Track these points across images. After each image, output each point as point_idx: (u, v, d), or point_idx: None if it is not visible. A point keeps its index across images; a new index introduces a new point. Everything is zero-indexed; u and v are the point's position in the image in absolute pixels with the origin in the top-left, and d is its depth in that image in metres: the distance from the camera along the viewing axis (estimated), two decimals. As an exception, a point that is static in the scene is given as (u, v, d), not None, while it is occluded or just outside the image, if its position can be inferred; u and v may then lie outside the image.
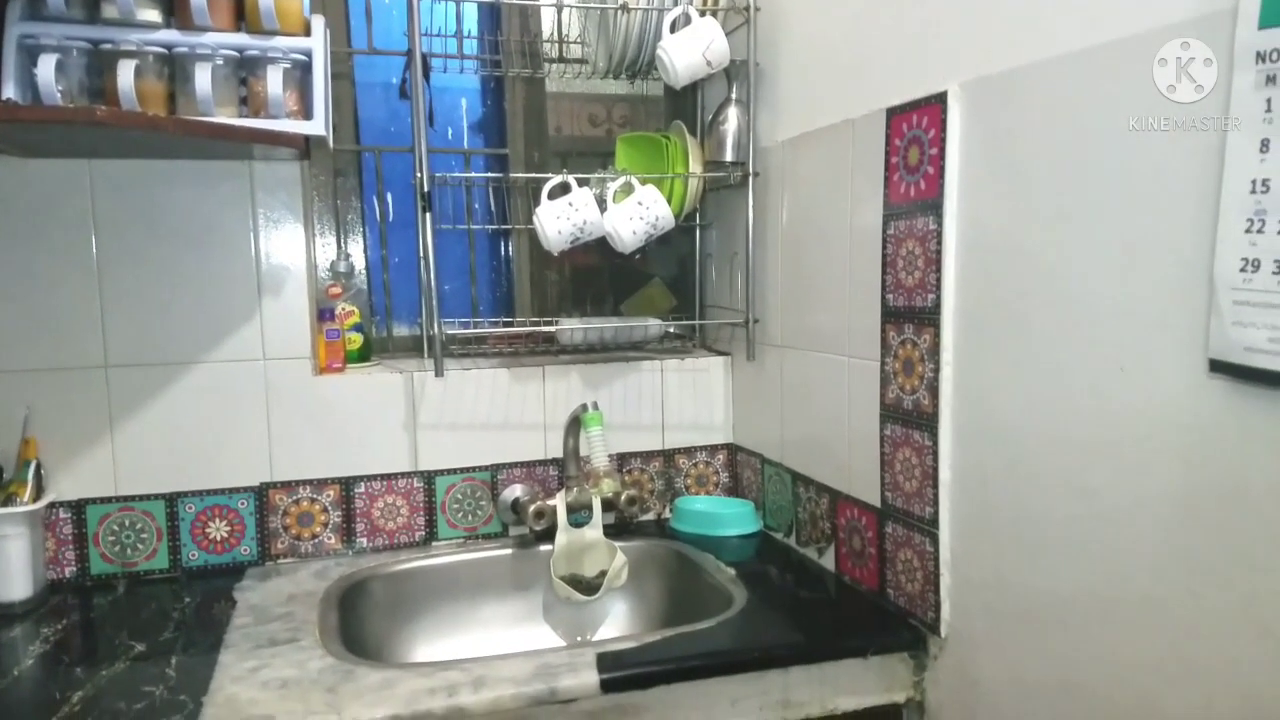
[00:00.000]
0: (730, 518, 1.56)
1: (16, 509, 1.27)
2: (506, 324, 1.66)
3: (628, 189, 1.46)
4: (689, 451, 1.66)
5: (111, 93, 1.19)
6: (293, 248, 1.42)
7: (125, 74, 1.17)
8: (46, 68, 1.15)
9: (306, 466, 1.44)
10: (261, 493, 1.42)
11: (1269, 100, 0.70)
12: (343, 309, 1.50)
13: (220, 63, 1.23)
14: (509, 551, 1.50)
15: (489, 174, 1.68)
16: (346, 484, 1.47)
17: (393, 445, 1.49)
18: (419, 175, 1.38)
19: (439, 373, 1.41)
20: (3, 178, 1.30)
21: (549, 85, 1.76)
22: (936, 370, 1.09)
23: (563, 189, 1.45)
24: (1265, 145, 0.70)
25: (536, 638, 1.43)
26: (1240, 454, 0.75)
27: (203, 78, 1.20)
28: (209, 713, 0.94)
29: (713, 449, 1.67)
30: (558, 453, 1.55)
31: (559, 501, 1.47)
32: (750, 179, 1.50)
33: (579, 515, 1.49)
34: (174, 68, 1.24)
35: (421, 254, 1.54)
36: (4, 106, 1.05)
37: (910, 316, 1.14)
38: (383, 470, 1.49)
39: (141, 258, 1.36)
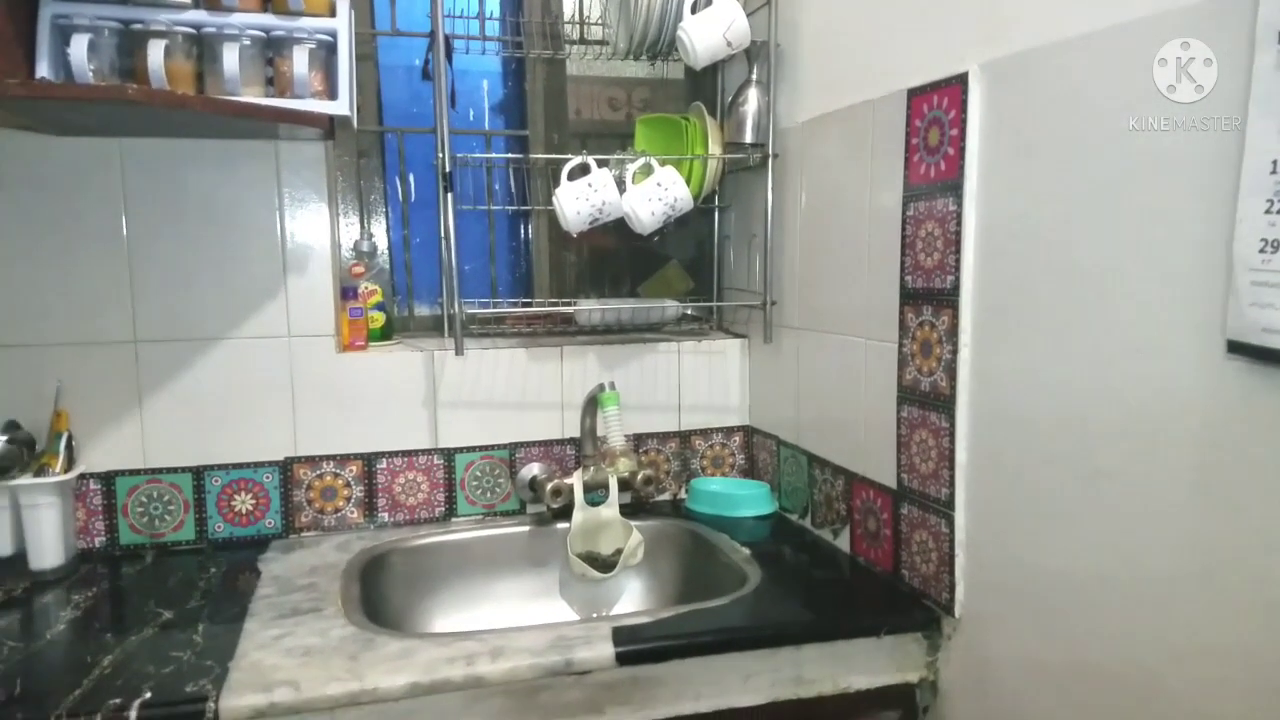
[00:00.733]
0: (745, 499, 1.57)
1: (49, 479, 1.30)
2: (525, 304, 1.68)
3: (647, 170, 1.46)
4: (705, 433, 1.67)
5: (141, 72, 1.21)
6: (317, 227, 1.44)
7: (155, 53, 1.19)
8: (79, 47, 1.17)
9: (330, 442, 1.47)
10: (286, 467, 1.45)
11: (1291, 80, 0.70)
12: (365, 288, 1.52)
13: (247, 43, 1.25)
14: (526, 528, 1.52)
15: (509, 155, 1.69)
16: (368, 460, 1.49)
17: (413, 422, 1.51)
18: (441, 156, 1.39)
19: (459, 351, 1.43)
20: (35, 155, 1.33)
21: (569, 67, 1.77)
22: (955, 352, 1.10)
23: (582, 170, 1.46)
24: (1286, 125, 0.70)
25: (552, 613, 1.46)
26: (1257, 435, 0.75)
27: (230, 57, 1.22)
28: (234, 677, 0.96)
29: (728, 431, 1.68)
30: (575, 432, 1.57)
31: (576, 480, 1.49)
32: (770, 160, 1.50)
33: (595, 494, 1.51)
34: (202, 48, 1.26)
35: (442, 234, 1.56)
36: (41, 85, 1.07)
37: (929, 298, 1.14)
38: (404, 447, 1.51)
39: (169, 235, 1.38)
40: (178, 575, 1.30)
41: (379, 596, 1.29)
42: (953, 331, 1.10)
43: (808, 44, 1.44)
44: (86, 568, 1.35)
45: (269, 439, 1.44)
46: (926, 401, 1.15)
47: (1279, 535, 0.74)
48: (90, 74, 1.20)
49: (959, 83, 1.07)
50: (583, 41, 1.66)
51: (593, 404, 1.49)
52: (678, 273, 1.79)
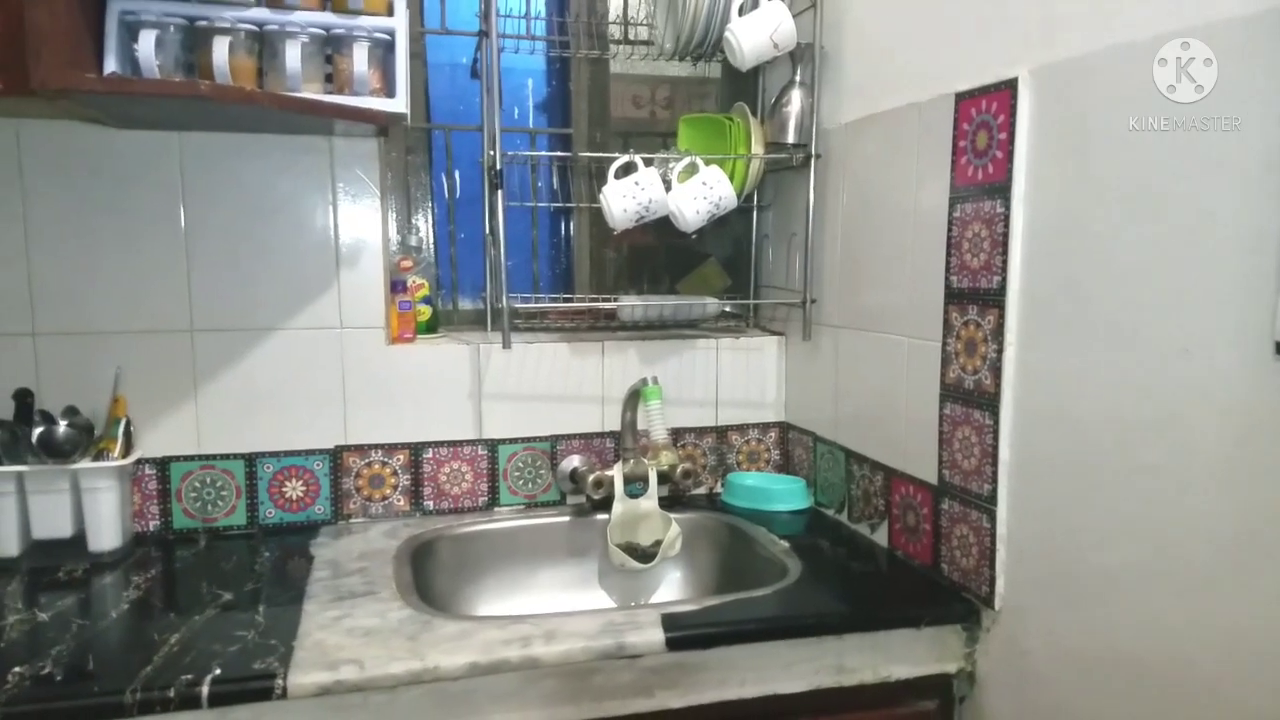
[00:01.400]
0: (781, 493, 1.60)
1: (108, 464, 1.35)
2: (567, 299, 1.71)
3: (692, 169, 1.49)
4: (741, 429, 1.69)
5: (205, 68, 1.25)
6: (369, 221, 1.48)
7: (220, 50, 1.22)
8: (147, 43, 1.21)
9: (378, 431, 1.50)
10: (336, 455, 1.49)
11: (1350, 89, 0.71)
12: (413, 281, 1.56)
13: (307, 40, 1.28)
14: (567, 519, 1.55)
15: (556, 153, 1.72)
16: (415, 449, 1.53)
17: (459, 414, 1.54)
18: (490, 154, 1.42)
19: (506, 345, 1.46)
20: (98, 148, 1.37)
21: (612, 66, 1.80)
22: (1000, 351, 1.12)
23: (627, 169, 1.49)
24: (1344, 133, 0.72)
25: (593, 601, 1.49)
26: (1307, 434, 0.77)
27: (292, 54, 1.25)
28: (300, 656, 1.00)
29: (764, 426, 1.71)
30: (615, 425, 1.60)
31: (616, 472, 1.52)
32: (812, 160, 1.52)
33: (634, 486, 1.53)
34: (263, 45, 1.29)
35: (489, 230, 1.59)
36: (116, 80, 1.11)
37: (974, 298, 1.16)
38: (449, 437, 1.54)
39: (226, 228, 1.42)
40: (231, 559, 1.34)
41: (426, 581, 1.32)
42: (998, 330, 1.12)
43: (852, 46, 1.47)
44: (142, 550, 1.39)
45: (320, 428, 1.48)
46: (970, 399, 1.18)
47: (1328, 532, 0.76)
48: (156, 69, 1.24)
49: (1008, 88, 1.09)
50: (628, 41, 1.69)
51: (634, 398, 1.52)
52: (716, 270, 1.81)
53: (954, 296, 1.20)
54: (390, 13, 1.32)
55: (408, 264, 1.56)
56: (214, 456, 1.44)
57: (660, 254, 1.85)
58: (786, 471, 1.71)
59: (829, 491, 1.56)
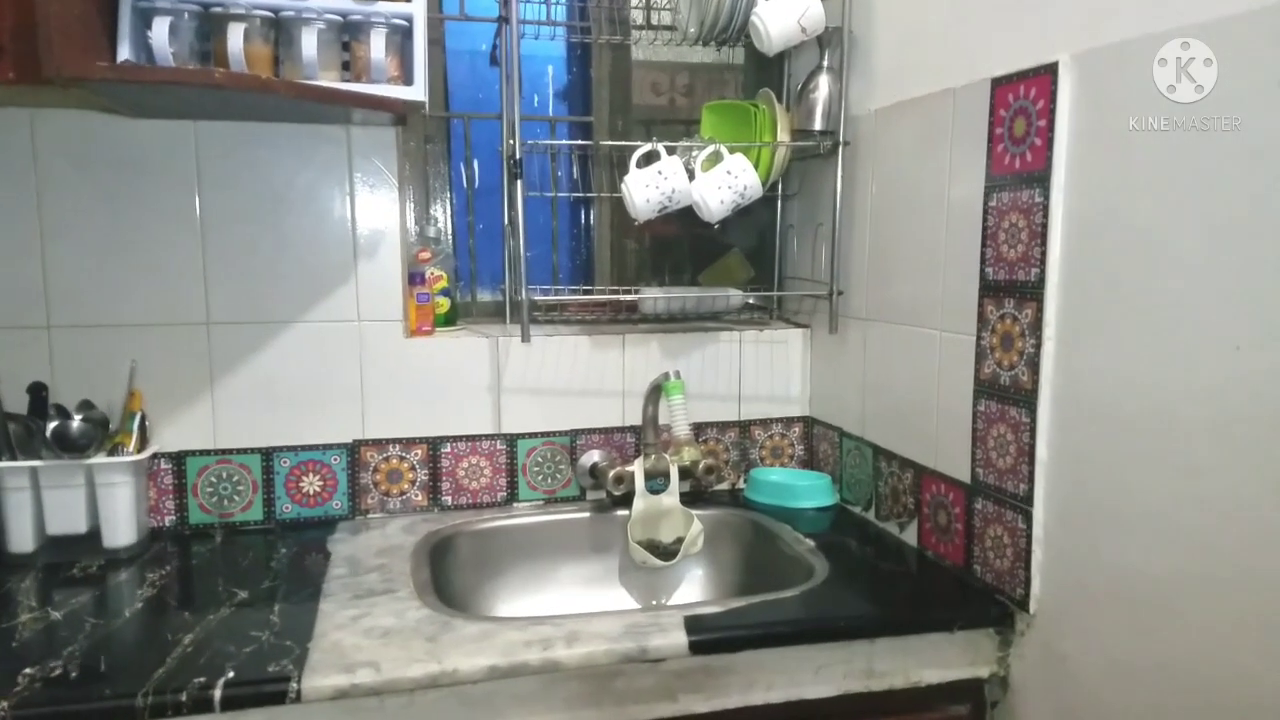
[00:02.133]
0: (806, 490, 1.56)
1: (123, 459, 1.33)
2: (588, 292, 1.68)
3: (716, 157, 1.45)
4: (765, 423, 1.66)
5: (220, 55, 1.22)
6: (387, 212, 1.45)
7: (235, 37, 1.19)
8: (161, 30, 1.18)
9: (396, 425, 1.48)
10: (353, 449, 1.47)
11: None
12: (431, 273, 1.53)
13: (323, 27, 1.25)
14: (586, 515, 1.52)
15: (577, 141, 1.68)
16: (433, 444, 1.50)
17: (477, 408, 1.52)
18: (510, 142, 1.39)
19: (525, 338, 1.43)
20: (113, 137, 1.35)
21: (634, 52, 1.76)
22: (1038, 346, 1.08)
23: (649, 158, 1.45)
24: None
25: (614, 599, 1.46)
26: (1375, 436, 0.73)
27: (308, 41, 1.22)
28: (315, 657, 0.98)
29: (789, 421, 1.67)
30: (635, 420, 1.57)
31: (637, 468, 1.49)
32: (840, 148, 1.48)
33: (655, 482, 1.50)
34: (279, 31, 1.26)
35: (509, 221, 1.56)
36: (130, 68, 1.08)
37: (1011, 290, 1.12)
38: (467, 431, 1.52)
39: (243, 218, 1.40)
40: (248, 555, 1.32)
41: (445, 578, 1.30)
42: (1036, 325, 1.08)
43: (882, 30, 1.42)
44: (158, 546, 1.37)
45: (337, 422, 1.45)
46: (1006, 395, 1.13)
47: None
48: (170, 57, 1.21)
49: (1048, 72, 1.05)
50: (650, 27, 1.65)
51: (656, 392, 1.49)
52: (739, 261, 1.77)
53: (989, 289, 1.16)
54: (408, -2, 1.28)
55: (426, 255, 1.53)
56: (230, 451, 1.42)
57: (682, 245, 1.81)
58: (811, 467, 1.67)
59: (855, 489, 1.52)
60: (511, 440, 1.54)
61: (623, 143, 1.53)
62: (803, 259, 1.68)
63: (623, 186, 1.43)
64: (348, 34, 1.28)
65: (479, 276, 1.72)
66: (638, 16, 1.67)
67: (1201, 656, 0.89)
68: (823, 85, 1.50)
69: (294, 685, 0.93)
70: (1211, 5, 0.84)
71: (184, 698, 0.91)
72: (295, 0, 1.24)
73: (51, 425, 1.30)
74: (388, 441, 1.48)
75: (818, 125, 1.50)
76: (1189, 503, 0.89)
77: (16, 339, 1.35)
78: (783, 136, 1.52)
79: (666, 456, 1.51)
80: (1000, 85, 1.13)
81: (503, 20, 1.49)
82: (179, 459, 1.41)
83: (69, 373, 1.36)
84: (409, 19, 1.27)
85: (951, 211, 1.23)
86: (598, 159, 1.71)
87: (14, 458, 1.29)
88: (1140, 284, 0.94)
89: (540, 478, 1.56)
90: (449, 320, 1.57)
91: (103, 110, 1.32)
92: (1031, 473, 1.09)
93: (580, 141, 1.68)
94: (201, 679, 0.93)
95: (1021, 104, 1.10)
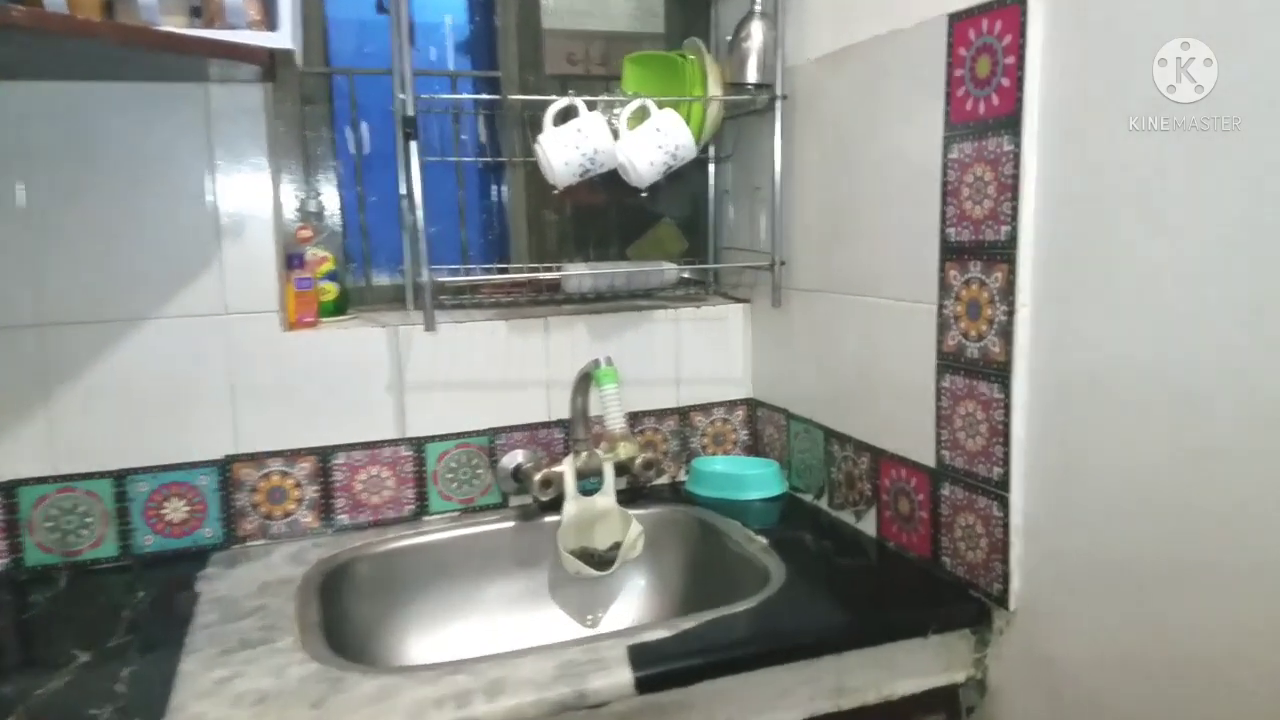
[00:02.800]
0: (753, 479, 1.42)
1: (-54, 489, 1.10)
2: (503, 270, 1.50)
3: (642, 114, 1.29)
4: (706, 408, 1.51)
5: (32, -4, 0.99)
6: (256, 185, 1.24)
7: (48, -28, 0.97)
8: (-51, -37, 0.95)
9: (277, 436, 1.27)
10: (225, 467, 1.26)
11: None
12: (314, 254, 1.33)
13: (163, -40, 1.04)
14: (511, 524, 1.35)
15: (482, 96, 1.48)
16: (324, 454, 1.31)
17: (376, 409, 1.33)
18: (401, 98, 1.20)
19: (430, 326, 1.25)
20: (-92, 103, 1.11)
21: (542, 20, 1.57)
22: (1011, 313, 0.95)
23: (566, 114, 1.28)
24: None
25: (546, 620, 1.30)
26: None
27: (143, -23, 1.01)
28: (172, 736, 0.79)
29: (731, 405, 1.53)
30: (563, 413, 1.40)
31: (567, 467, 1.33)
32: (778, 103, 1.33)
33: (588, 482, 1.35)
34: (108, -32, 1.04)
35: (406, 191, 1.37)
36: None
37: (978, 252, 0.99)
38: (365, 438, 1.33)
39: (79, 198, 1.17)
40: (98, 602, 1.10)
41: (342, 614, 1.12)
42: (1008, 289, 0.95)
43: (819, -34, 1.27)
44: (-13, 595, 1.14)
45: (205, 435, 1.24)
46: (975, 369, 1.01)
47: None
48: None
49: (1016, 2, 0.91)
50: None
51: (586, 381, 1.32)
52: (670, 232, 1.62)
53: (952, 251, 1.03)
54: (267, -74, 1.08)
55: (307, 234, 1.32)
56: (74, 477, 1.19)
57: (608, 215, 1.64)
58: (756, 453, 1.54)
59: (806, 475, 1.39)
60: (419, 444, 1.36)
61: (535, 97, 1.35)
62: (740, 227, 1.53)
63: (537, 148, 1.25)
64: (195, -30, 1.07)
65: (374, 257, 1.53)
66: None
67: (1219, 650, 0.78)
68: (756, 33, 1.35)
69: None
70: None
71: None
72: (125, -73, 1.02)
73: None
74: (267, 455, 1.27)
75: (752, 78, 1.35)
76: (1205, 486, 0.78)
77: None
78: (714, 90, 1.36)
79: (600, 453, 1.35)
80: (959, 21, 1.00)
81: (387, -41, 1.30)
82: (9, 490, 1.18)
83: None
84: (269, -49, 1.07)
85: (906, 167, 1.10)
86: (508, 119, 1.53)
87: None
88: (1134, 239, 0.82)
89: (455, 485, 1.38)
90: (338, 309, 1.37)
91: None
92: (1007, 455, 0.97)
93: (485, 96, 1.48)
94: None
95: (985, 41, 0.96)
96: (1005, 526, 0.98)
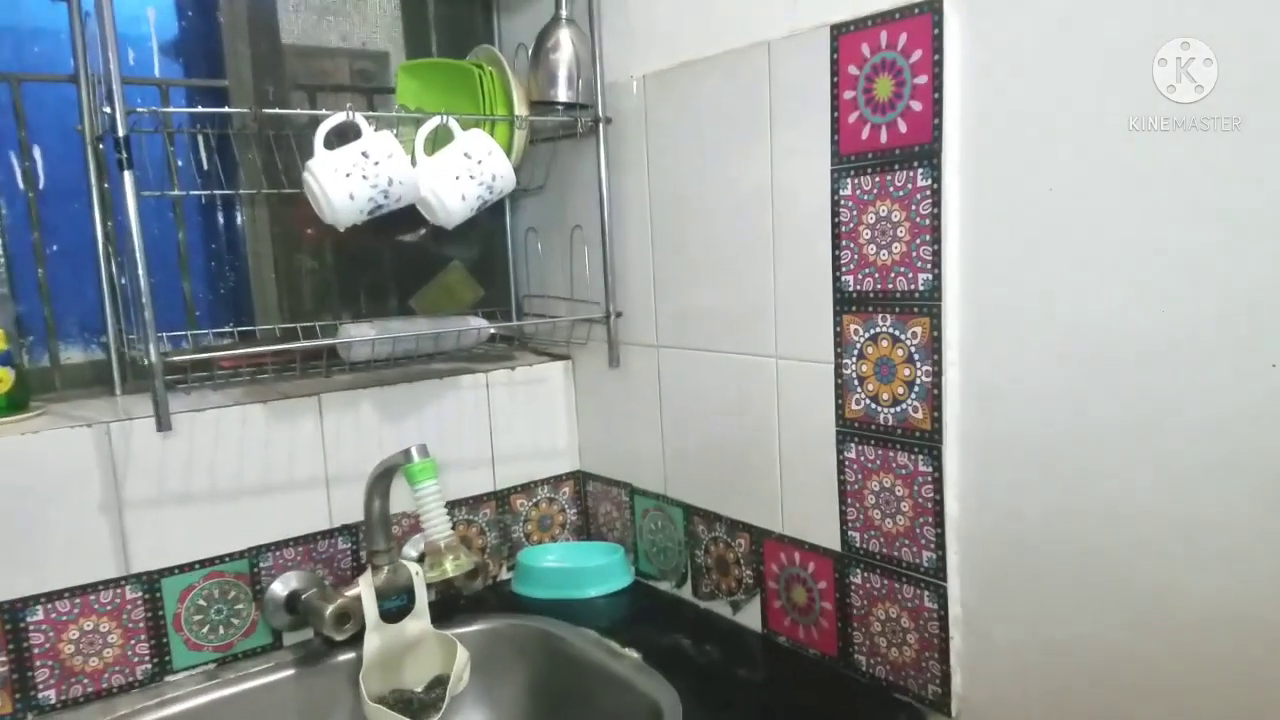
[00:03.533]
0: (595, 572, 1.20)
1: None
2: (246, 333, 1.15)
3: (443, 135, 1.02)
4: (528, 489, 1.26)
5: None
6: None
7: None
8: None
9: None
10: None
11: None
12: (-30, 331, 0.91)
13: None
14: (290, 672, 1.02)
15: (214, 110, 1.12)
16: (13, 612, 0.89)
17: (85, 540, 0.93)
18: (108, 111, 0.84)
19: (164, 424, 0.89)
20: None
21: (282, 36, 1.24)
22: (937, 373, 0.82)
23: (344, 134, 0.98)
24: None
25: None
26: None
27: None
28: None
29: (556, 481, 1.29)
30: (349, 517, 1.09)
31: (364, 589, 1.02)
32: (601, 126, 1.13)
33: (393, 600, 1.05)
34: None
35: (104, 235, 0.99)
36: None
37: (887, 304, 0.86)
38: (72, 581, 0.93)
39: None
40: None
41: None
42: (931, 346, 0.82)
43: (647, -33, 1.09)
44: None
45: None
46: (890, 438, 0.87)
47: None
48: None
49: (929, 10, 0.79)
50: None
51: (386, 478, 1.02)
52: (462, 278, 1.34)
53: (851, 303, 0.89)
54: None
55: (-44, 303, 0.90)
56: None
57: (380, 259, 1.33)
58: (590, 536, 1.31)
59: (660, 559, 1.19)
60: (151, 581, 0.98)
61: (287, 111, 1.03)
62: (552, 271, 1.30)
63: (307, 178, 0.94)
64: None
65: (61, 325, 1.10)
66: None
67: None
68: (564, 44, 1.14)
69: None
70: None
71: None
72: None
73: None
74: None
75: (563, 96, 1.14)
76: (1196, 561, 0.68)
77: None
78: (520, 109, 1.13)
79: (405, 563, 1.06)
80: (846, 33, 0.86)
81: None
82: None
83: None
84: None
85: (781, 204, 0.95)
86: (243, 140, 1.18)
87: None
88: (1096, 286, 0.72)
89: (206, 630, 1.02)
90: (17, 403, 0.96)
91: None
92: (941, 537, 0.84)
93: (223, 110, 1.12)
94: None
95: (885, 57, 0.83)
96: (942, 619, 0.85)
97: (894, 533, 0.88)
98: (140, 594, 0.98)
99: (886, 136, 0.84)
